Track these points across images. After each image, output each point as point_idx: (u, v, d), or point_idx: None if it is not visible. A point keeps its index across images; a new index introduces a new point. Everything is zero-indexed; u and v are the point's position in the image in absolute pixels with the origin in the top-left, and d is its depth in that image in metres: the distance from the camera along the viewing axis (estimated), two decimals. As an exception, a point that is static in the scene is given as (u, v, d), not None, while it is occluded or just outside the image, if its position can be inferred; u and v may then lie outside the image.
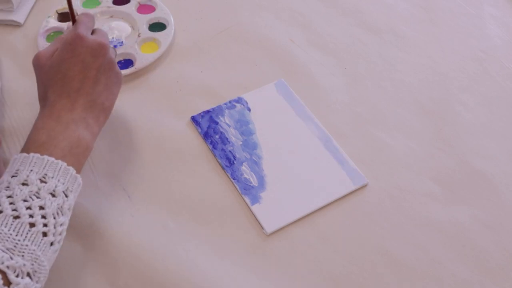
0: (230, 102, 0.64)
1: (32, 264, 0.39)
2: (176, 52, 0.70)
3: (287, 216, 0.54)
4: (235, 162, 0.58)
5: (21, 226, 0.40)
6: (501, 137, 0.64)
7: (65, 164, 0.44)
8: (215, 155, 0.59)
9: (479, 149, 0.62)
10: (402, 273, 0.51)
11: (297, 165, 0.58)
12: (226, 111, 0.63)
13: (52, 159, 0.43)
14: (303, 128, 0.62)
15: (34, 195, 0.41)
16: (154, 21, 0.73)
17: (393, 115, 0.65)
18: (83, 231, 0.52)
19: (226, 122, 0.62)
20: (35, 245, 0.40)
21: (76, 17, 0.54)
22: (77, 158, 0.46)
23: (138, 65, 0.66)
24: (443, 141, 0.63)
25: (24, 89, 0.65)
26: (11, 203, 0.40)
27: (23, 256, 0.39)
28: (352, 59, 0.72)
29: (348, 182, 0.57)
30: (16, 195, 0.41)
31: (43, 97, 0.49)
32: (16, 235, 0.39)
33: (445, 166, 0.60)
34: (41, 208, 0.41)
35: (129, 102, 0.64)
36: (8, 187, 0.41)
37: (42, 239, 0.40)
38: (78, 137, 0.46)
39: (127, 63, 0.68)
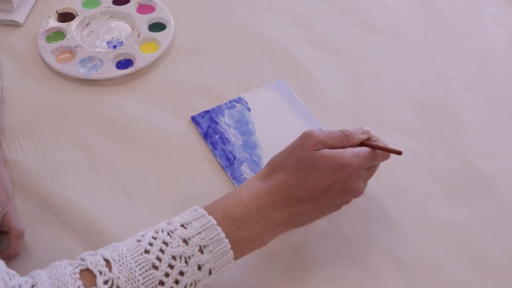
0: (230, 102, 0.64)
1: None
2: (176, 52, 0.70)
3: (287, 216, 0.54)
4: (235, 162, 0.58)
5: (151, 278, 0.38)
6: (501, 137, 0.64)
7: (229, 247, 0.41)
8: (215, 155, 0.59)
9: (479, 149, 0.62)
10: (402, 273, 0.51)
11: (297, 165, 0.58)
12: (226, 111, 0.63)
13: (222, 237, 0.41)
14: (303, 128, 0.62)
15: (184, 258, 0.40)
16: (154, 21, 0.73)
17: (393, 115, 0.65)
18: (83, 231, 0.52)
19: (226, 122, 0.62)
20: None
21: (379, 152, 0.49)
22: (244, 249, 0.44)
23: (138, 65, 0.66)
24: (443, 141, 0.63)
25: (24, 89, 0.65)
26: (160, 251, 0.39)
27: None
28: (352, 59, 0.72)
29: (348, 182, 0.57)
30: (171, 247, 0.40)
31: (276, 167, 0.47)
32: (142, 285, 0.38)
33: (445, 166, 0.60)
34: (181, 274, 0.39)
35: (129, 102, 0.64)
36: (171, 233, 0.41)
37: None
38: (262, 235, 0.44)
39: (127, 63, 0.68)
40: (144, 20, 0.73)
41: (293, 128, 0.62)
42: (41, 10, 0.74)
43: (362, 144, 0.50)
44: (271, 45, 0.72)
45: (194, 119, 0.62)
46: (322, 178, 0.45)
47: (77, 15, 0.73)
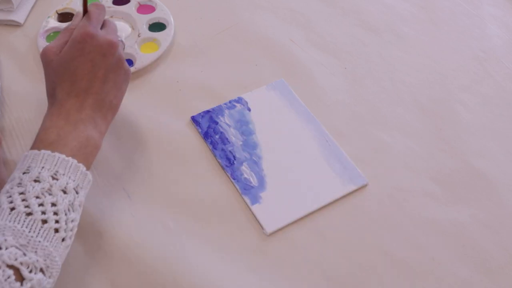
0: (230, 102, 0.64)
1: (45, 260, 0.40)
2: (176, 52, 0.70)
3: (287, 216, 0.54)
4: (235, 162, 0.58)
5: (34, 222, 0.40)
6: (501, 137, 0.64)
7: (75, 161, 0.44)
8: (215, 155, 0.59)
9: (479, 149, 0.62)
10: (402, 273, 0.51)
11: (297, 165, 0.58)
12: (226, 111, 0.63)
13: (63, 156, 0.44)
14: (303, 128, 0.62)
15: (46, 191, 0.42)
16: (154, 21, 0.73)
17: (393, 115, 0.65)
18: (83, 231, 0.52)
19: (226, 122, 0.62)
20: (47, 241, 0.40)
21: (88, 8, 0.52)
22: (86, 157, 0.46)
23: (138, 65, 0.66)
24: (443, 141, 0.63)
25: (24, 89, 0.65)
26: (23, 200, 0.41)
27: (36, 252, 0.39)
28: (352, 59, 0.72)
29: (348, 182, 0.57)
30: (29, 192, 0.41)
31: (51, 94, 0.49)
32: (29, 232, 0.40)
33: (445, 166, 0.60)
34: (53, 205, 0.42)
35: (129, 102, 0.64)
36: (20, 183, 0.42)
37: (54, 235, 0.41)
38: (87, 136, 0.46)
39: (126, 63, 0.68)
40: (144, 20, 0.73)
41: (293, 128, 0.62)
42: (41, 10, 0.74)
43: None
44: (271, 45, 0.72)
45: (194, 119, 0.62)
46: (72, 63, 0.48)
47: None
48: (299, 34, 0.74)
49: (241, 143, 0.60)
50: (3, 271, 0.37)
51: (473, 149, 0.62)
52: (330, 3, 0.80)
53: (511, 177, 0.59)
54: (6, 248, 0.38)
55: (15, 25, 0.72)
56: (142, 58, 0.67)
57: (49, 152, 0.43)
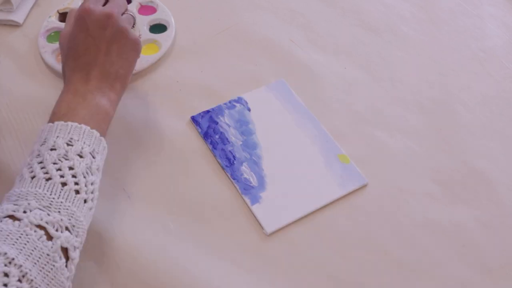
0: (230, 102, 0.64)
1: (69, 219, 0.42)
2: (176, 52, 0.70)
3: (287, 216, 0.54)
4: (235, 162, 0.58)
5: (54, 186, 0.43)
6: (501, 137, 0.64)
7: (88, 128, 0.46)
8: (215, 155, 0.59)
9: (479, 149, 0.62)
10: (402, 273, 0.51)
11: (297, 165, 0.58)
12: (226, 111, 0.63)
13: (75, 124, 0.46)
14: (303, 128, 0.62)
15: (62, 157, 0.44)
16: (155, 23, 0.73)
17: (393, 115, 0.65)
18: (83, 231, 0.52)
19: (226, 122, 0.62)
20: (69, 201, 0.43)
21: None
22: (99, 123, 0.48)
23: (138, 67, 0.66)
24: (443, 141, 0.63)
25: (24, 89, 0.65)
26: (42, 168, 0.43)
27: (59, 212, 0.42)
28: (352, 59, 0.72)
29: (348, 182, 0.57)
30: (46, 159, 0.44)
31: (63, 75, 0.52)
32: (51, 194, 0.42)
33: (445, 166, 0.60)
34: (71, 168, 0.44)
35: (129, 102, 0.64)
36: (38, 154, 0.45)
37: (75, 197, 0.43)
38: (96, 104, 0.49)
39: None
40: (145, 21, 0.73)
41: (293, 127, 0.62)
42: (40, 10, 0.74)
43: None
44: (271, 45, 0.72)
45: (194, 119, 0.62)
46: (74, 41, 0.51)
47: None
48: (299, 34, 0.74)
49: (241, 143, 0.60)
50: (35, 231, 0.40)
51: (473, 149, 0.62)
52: (330, 3, 0.80)
53: (511, 177, 0.59)
54: (31, 211, 0.41)
55: (14, 25, 0.72)
56: (143, 60, 0.67)
57: (62, 122, 0.46)
